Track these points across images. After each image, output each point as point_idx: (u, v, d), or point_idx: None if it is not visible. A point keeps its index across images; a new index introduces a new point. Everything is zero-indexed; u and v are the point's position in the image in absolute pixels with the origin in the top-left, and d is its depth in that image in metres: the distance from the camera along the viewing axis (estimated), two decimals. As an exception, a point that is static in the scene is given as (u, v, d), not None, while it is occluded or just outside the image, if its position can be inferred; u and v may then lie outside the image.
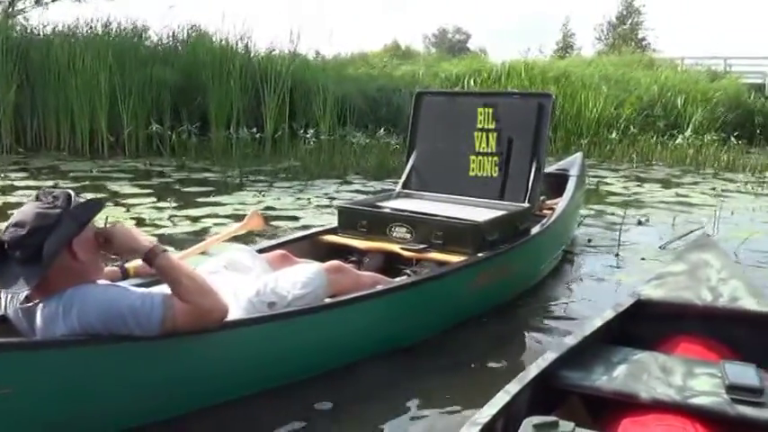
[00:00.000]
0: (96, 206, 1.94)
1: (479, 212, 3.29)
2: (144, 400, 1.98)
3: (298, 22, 22.96)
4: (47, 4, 19.20)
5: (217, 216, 5.14)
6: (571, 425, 1.30)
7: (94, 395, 1.90)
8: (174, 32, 11.55)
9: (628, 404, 1.61)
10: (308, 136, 9.57)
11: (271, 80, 10.22)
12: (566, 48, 34.80)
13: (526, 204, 3.44)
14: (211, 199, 5.93)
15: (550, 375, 1.70)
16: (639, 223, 5.36)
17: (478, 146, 3.64)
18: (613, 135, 11.53)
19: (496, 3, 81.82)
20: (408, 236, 3.12)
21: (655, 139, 11.46)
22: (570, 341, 1.84)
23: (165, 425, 1.99)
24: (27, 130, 9.76)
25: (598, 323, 1.97)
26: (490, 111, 3.69)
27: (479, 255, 2.96)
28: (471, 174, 3.64)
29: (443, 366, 2.52)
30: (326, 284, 2.44)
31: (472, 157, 3.65)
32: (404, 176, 3.85)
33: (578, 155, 5.11)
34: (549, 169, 4.69)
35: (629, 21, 36.78)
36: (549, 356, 1.74)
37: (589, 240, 4.68)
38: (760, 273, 3.87)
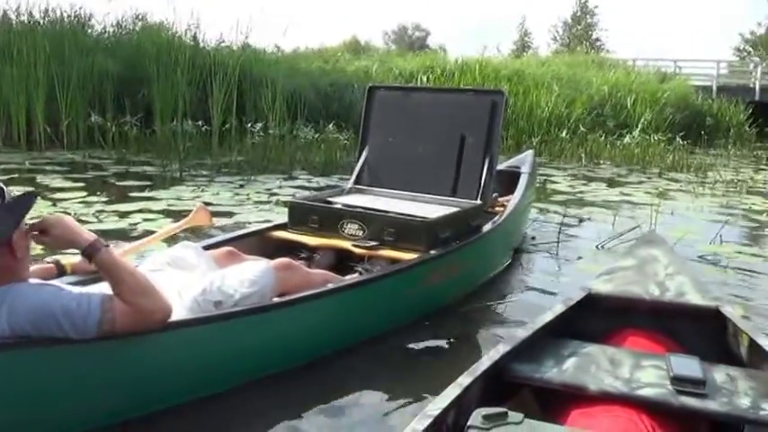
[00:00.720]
0: (31, 199, 1.81)
1: (432, 209, 3.25)
2: (82, 405, 1.87)
3: (252, 14, 22.49)
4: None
5: (149, 211, 4.95)
6: (520, 415, 1.32)
7: (26, 401, 1.77)
8: (118, 21, 11.24)
9: (577, 396, 1.64)
10: (255, 130, 9.36)
11: (219, 72, 9.99)
12: (523, 47, 35.18)
13: (478, 201, 3.40)
14: (146, 194, 5.72)
15: (502, 368, 1.72)
16: (580, 221, 5.36)
17: (431, 142, 3.60)
18: (564, 134, 11.62)
19: (457, 3, 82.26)
20: (360, 232, 3.06)
21: (603, 138, 11.60)
22: (521, 334, 1.86)
23: (106, 430, 1.88)
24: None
25: (549, 317, 1.99)
26: (443, 107, 3.66)
27: (432, 252, 2.91)
28: (423, 170, 3.59)
29: (394, 364, 2.48)
30: (275, 282, 2.35)
31: (424, 154, 3.61)
32: (355, 172, 3.79)
33: (529, 152, 5.10)
34: (501, 166, 4.67)
35: (584, 21, 37.41)
36: (501, 349, 1.76)
37: (533, 238, 4.66)
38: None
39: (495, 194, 3.95)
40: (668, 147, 11.52)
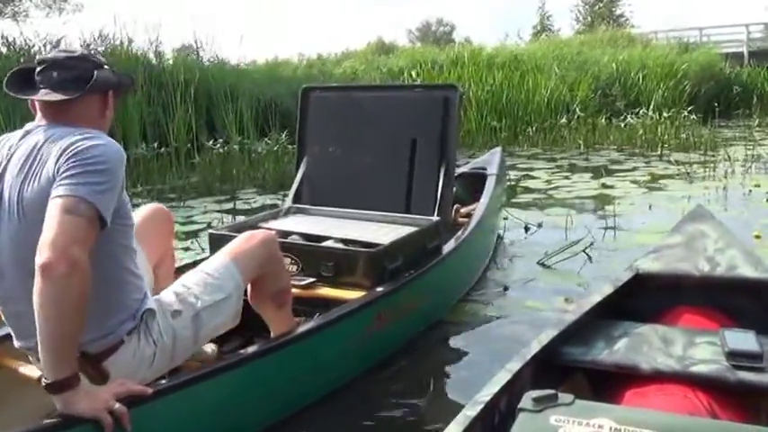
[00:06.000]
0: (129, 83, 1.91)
1: (381, 231, 2.81)
2: None
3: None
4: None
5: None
6: (570, 397, 1.29)
7: None
8: (86, 43, 10.75)
9: (630, 376, 1.63)
10: (215, 147, 8.69)
11: (179, 88, 9.38)
12: (543, 30, 33.76)
13: (435, 218, 2.91)
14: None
15: (552, 352, 1.71)
16: (526, 230, 4.47)
17: (378, 149, 3.13)
18: (563, 120, 10.60)
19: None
20: (294, 267, 2.60)
21: (605, 120, 10.54)
22: (570, 317, 1.84)
23: None
24: None
25: (597, 298, 1.96)
26: (389, 107, 3.19)
27: (379, 289, 2.43)
28: (370, 182, 3.10)
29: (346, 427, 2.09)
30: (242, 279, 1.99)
31: (371, 163, 3.12)
32: (294, 188, 3.30)
33: (497, 150, 4.48)
34: (465, 168, 4.20)
35: (605, -2, 35.77)
36: (550, 333, 1.74)
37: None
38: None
39: (456, 205, 3.45)
40: (683, 124, 10.35)
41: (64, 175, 1.48)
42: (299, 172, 3.32)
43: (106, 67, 1.75)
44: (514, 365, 1.58)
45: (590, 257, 3.74)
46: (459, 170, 3.84)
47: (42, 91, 1.65)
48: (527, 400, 1.30)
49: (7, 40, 10.06)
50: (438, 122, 3.04)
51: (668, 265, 2.11)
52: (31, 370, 1.80)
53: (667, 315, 1.98)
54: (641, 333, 1.79)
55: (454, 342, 2.73)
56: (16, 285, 1.59)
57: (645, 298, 2.05)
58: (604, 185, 6.23)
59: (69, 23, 17.30)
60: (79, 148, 1.52)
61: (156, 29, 12.32)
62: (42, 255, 1.38)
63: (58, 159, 1.51)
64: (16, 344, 1.71)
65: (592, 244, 3.92)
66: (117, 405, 1.52)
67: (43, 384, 1.48)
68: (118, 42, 10.48)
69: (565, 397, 1.30)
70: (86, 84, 1.65)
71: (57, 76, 1.65)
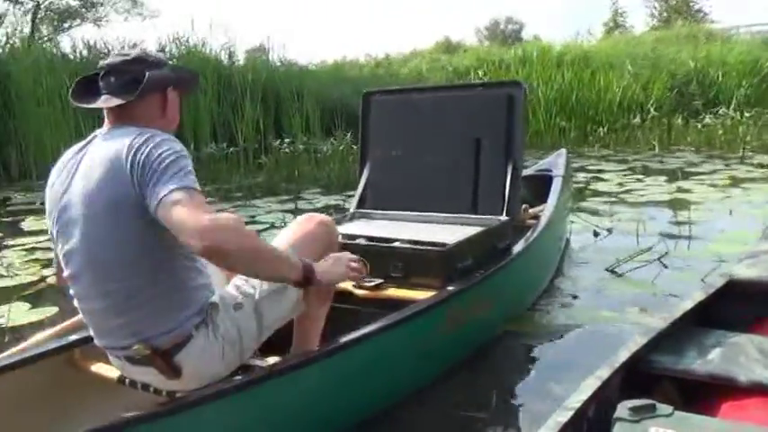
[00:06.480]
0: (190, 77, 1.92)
1: (449, 232, 2.70)
2: None
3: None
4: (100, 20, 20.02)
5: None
6: (670, 408, 1.25)
7: None
8: (162, 46, 11.12)
9: (725, 388, 1.56)
10: (282, 147, 8.82)
11: (248, 88, 9.58)
12: (615, 27, 32.70)
13: (504, 217, 2.82)
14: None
15: (640, 359, 1.66)
16: (596, 235, 4.29)
17: (441, 150, 3.07)
18: (636, 120, 10.22)
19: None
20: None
21: (681, 120, 10.08)
22: (659, 324, 1.77)
23: None
24: (11, 160, 9.58)
25: (688, 305, 1.88)
26: (451, 108, 3.13)
27: (449, 288, 2.34)
28: (435, 185, 3.05)
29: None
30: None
31: (435, 165, 3.07)
32: (358, 193, 3.27)
33: (562, 151, 4.36)
34: (529, 171, 4.07)
35: (682, -8, 34.32)
36: (639, 341, 1.70)
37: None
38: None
39: (524, 205, 3.34)
40: (767, 124, 9.79)
41: (154, 180, 1.48)
42: (362, 177, 3.29)
43: (168, 63, 1.75)
44: (603, 373, 1.53)
45: (665, 265, 3.54)
46: (523, 172, 3.75)
47: (104, 96, 1.67)
48: (623, 409, 1.26)
49: (88, 44, 10.54)
50: (502, 121, 2.95)
51: (765, 271, 2.01)
52: (110, 370, 1.82)
53: (764, 325, 1.87)
54: (737, 343, 1.71)
55: (521, 354, 2.61)
56: (89, 286, 1.62)
57: (739, 306, 1.94)
58: (680, 189, 5.94)
59: (147, 27, 18.23)
60: (146, 151, 1.52)
61: (229, 31, 12.50)
62: (209, 242, 1.38)
63: (131, 166, 1.52)
64: (96, 342, 1.73)
65: (666, 252, 3.72)
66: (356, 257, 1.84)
67: (293, 284, 1.67)
68: (192, 45, 10.81)
69: (663, 408, 1.26)
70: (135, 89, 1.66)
71: (114, 81, 1.68)
